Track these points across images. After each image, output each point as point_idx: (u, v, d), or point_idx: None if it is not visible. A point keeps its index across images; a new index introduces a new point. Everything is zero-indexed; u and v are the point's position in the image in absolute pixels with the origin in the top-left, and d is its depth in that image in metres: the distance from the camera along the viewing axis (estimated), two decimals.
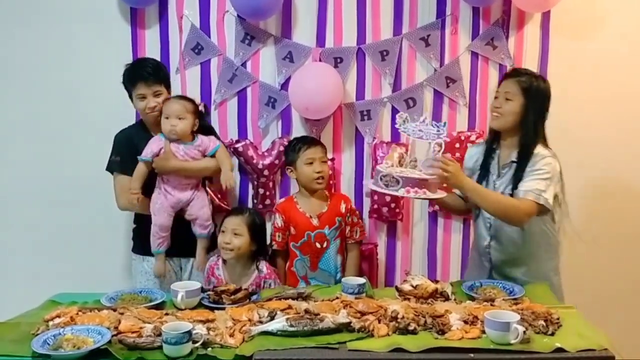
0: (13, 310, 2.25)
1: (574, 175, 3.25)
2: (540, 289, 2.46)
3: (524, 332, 1.93)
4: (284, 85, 3.20)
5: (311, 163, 2.86)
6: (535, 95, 2.53)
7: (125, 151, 2.79)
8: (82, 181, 3.31)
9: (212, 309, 2.24)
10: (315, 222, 2.87)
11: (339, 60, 3.20)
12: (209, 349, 1.94)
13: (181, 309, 2.24)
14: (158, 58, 3.18)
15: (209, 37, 3.20)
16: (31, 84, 3.27)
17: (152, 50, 3.22)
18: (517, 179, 2.52)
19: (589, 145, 3.28)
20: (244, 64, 3.20)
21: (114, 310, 2.16)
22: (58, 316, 2.10)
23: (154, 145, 2.71)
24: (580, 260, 3.35)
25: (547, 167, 2.49)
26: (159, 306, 2.29)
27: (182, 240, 2.80)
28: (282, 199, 3.06)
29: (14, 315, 2.21)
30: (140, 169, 2.71)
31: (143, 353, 1.90)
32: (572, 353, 1.90)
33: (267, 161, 3.17)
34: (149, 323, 2.03)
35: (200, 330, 1.98)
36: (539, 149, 2.54)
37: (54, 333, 1.96)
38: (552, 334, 2.00)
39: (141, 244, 2.89)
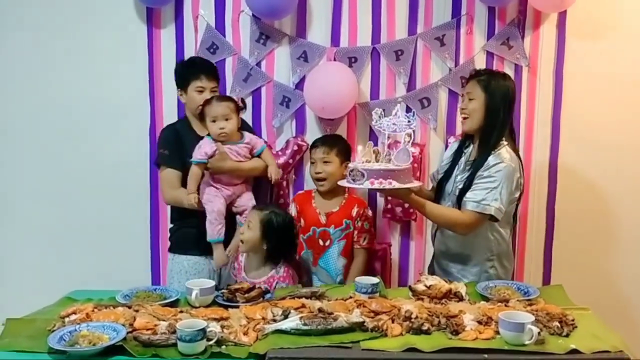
0: (29, 306, 2.27)
1: (588, 176, 3.27)
2: (556, 290, 2.44)
3: (539, 333, 1.92)
4: (299, 85, 3.21)
5: (313, 163, 2.91)
6: (495, 91, 2.55)
7: (173, 145, 2.83)
8: (97, 179, 3.35)
9: (226, 307, 2.24)
10: (322, 219, 2.90)
11: (353, 59, 3.20)
12: (223, 346, 1.94)
13: (195, 307, 2.25)
14: (173, 57, 3.23)
15: (224, 36, 3.21)
16: (47, 83, 3.30)
17: (167, 49, 3.24)
18: (470, 176, 2.56)
19: (605, 146, 3.26)
20: (258, 64, 3.21)
21: (129, 307, 2.17)
22: (74, 313, 2.11)
23: (207, 147, 2.72)
24: (595, 262, 3.34)
25: (497, 174, 2.50)
26: (174, 304, 2.30)
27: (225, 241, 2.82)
28: (303, 191, 3.10)
29: (30, 312, 2.23)
30: (195, 172, 2.72)
31: (158, 350, 1.91)
32: (587, 355, 1.89)
33: (281, 160, 3.17)
34: (164, 320, 2.04)
35: (214, 328, 1.98)
36: (500, 152, 2.54)
37: (70, 329, 1.97)
38: (567, 335, 1.99)
39: (180, 242, 2.92)
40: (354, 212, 2.92)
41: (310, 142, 3.17)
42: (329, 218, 2.91)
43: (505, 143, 2.58)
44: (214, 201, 2.76)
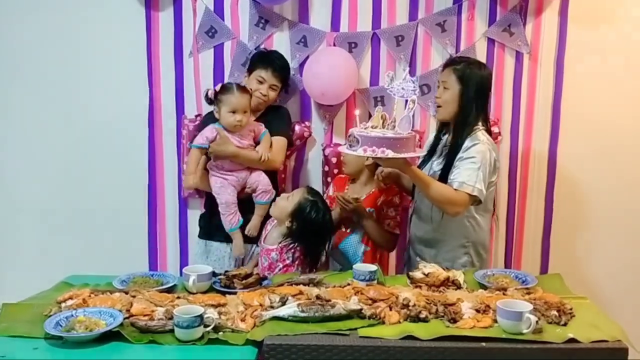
0: (25, 291, 2.26)
1: (589, 164, 3.26)
2: (554, 279, 2.44)
3: (537, 321, 1.91)
4: (298, 70, 3.18)
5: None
6: (469, 81, 2.55)
7: None
8: (95, 163, 3.34)
9: (223, 294, 2.24)
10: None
11: (353, 45, 3.17)
12: (220, 333, 1.94)
13: (193, 293, 2.25)
14: (172, 41, 3.21)
15: (223, 20, 3.18)
16: (46, 68, 3.28)
17: (166, 33, 3.21)
18: (448, 160, 2.55)
19: (605, 134, 3.25)
20: (257, 48, 3.18)
21: (126, 293, 2.16)
22: (70, 298, 2.11)
23: (209, 132, 2.74)
24: (593, 251, 3.34)
25: (478, 155, 2.50)
26: (171, 290, 2.30)
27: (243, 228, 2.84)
28: (343, 175, 3.06)
29: (27, 297, 2.23)
30: (195, 155, 2.77)
31: (154, 336, 1.91)
32: (585, 344, 1.88)
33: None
34: (161, 306, 2.04)
35: (211, 314, 1.97)
36: (476, 134, 2.55)
37: (66, 315, 1.97)
38: (565, 324, 1.99)
39: (207, 229, 2.97)
40: (380, 200, 2.89)
41: (312, 129, 3.17)
42: (359, 201, 2.86)
43: (482, 127, 2.59)
44: (221, 193, 2.78)
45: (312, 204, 2.59)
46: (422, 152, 2.63)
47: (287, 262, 2.62)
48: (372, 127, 2.41)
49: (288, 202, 2.63)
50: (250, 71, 2.95)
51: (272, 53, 3.03)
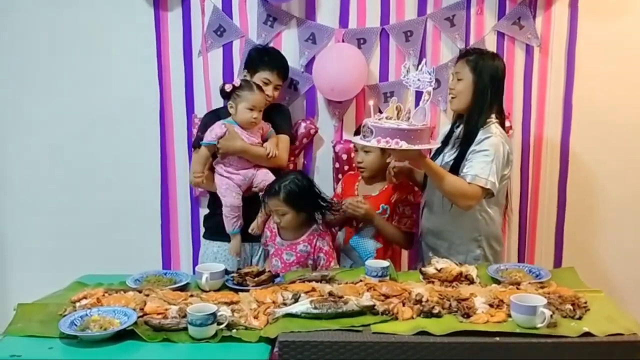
0: (40, 291, 2.28)
1: (601, 156, 3.24)
2: (568, 272, 2.43)
3: (551, 316, 1.90)
4: (307, 67, 3.18)
5: (356, 150, 2.88)
6: (482, 72, 2.55)
7: None
8: (108, 164, 3.35)
9: (236, 291, 2.24)
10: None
11: (362, 41, 3.16)
12: (234, 330, 1.94)
13: (206, 291, 2.25)
14: (181, 41, 3.21)
15: (231, 19, 3.18)
16: (56, 69, 3.29)
17: (175, 32, 3.21)
18: (460, 151, 2.56)
19: (617, 126, 3.22)
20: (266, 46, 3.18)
21: (140, 291, 2.17)
22: (85, 297, 2.12)
23: (217, 129, 2.74)
24: (607, 243, 3.32)
25: (491, 148, 2.49)
26: (184, 288, 2.31)
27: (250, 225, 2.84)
28: (353, 172, 3.05)
29: (41, 297, 2.24)
30: (203, 153, 2.78)
31: (168, 334, 1.91)
32: (600, 337, 1.87)
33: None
34: (174, 304, 2.04)
35: (224, 312, 1.98)
36: (489, 127, 2.55)
37: (81, 314, 1.98)
38: (580, 318, 1.98)
39: (212, 229, 2.97)
40: (394, 198, 2.86)
41: (319, 126, 3.17)
42: (367, 201, 2.84)
43: (495, 120, 2.59)
44: (227, 195, 2.78)
45: (289, 187, 2.61)
46: (436, 145, 2.62)
47: (324, 248, 2.67)
48: (386, 118, 2.40)
49: (288, 213, 2.61)
50: (251, 70, 2.92)
51: (272, 52, 3.02)
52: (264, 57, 2.95)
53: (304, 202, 2.65)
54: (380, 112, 2.55)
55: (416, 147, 2.33)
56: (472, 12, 3.14)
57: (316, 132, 3.20)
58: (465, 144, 2.56)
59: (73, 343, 1.89)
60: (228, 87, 2.76)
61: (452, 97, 2.62)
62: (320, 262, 2.70)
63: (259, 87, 2.79)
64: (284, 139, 2.95)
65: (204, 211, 3.16)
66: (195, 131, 3.16)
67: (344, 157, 3.14)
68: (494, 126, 2.57)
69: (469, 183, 2.47)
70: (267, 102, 2.88)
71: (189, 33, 3.21)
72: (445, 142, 2.72)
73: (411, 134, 2.31)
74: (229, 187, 2.78)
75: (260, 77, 2.88)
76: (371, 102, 2.56)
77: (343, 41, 3.15)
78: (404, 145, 2.30)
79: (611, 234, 3.31)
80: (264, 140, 2.85)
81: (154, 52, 3.22)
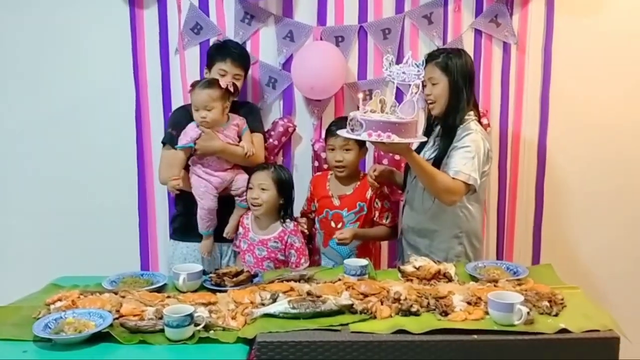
0: (14, 294, 2.24)
1: (578, 153, 3.27)
2: (545, 269, 2.44)
3: (528, 313, 1.92)
4: (285, 65, 3.17)
5: (332, 149, 2.85)
6: (455, 71, 2.56)
7: (183, 125, 2.80)
8: (83, 164, 3.30)
9: (214, 292, 2.23)
10: (336, 202, 2.87)
11: (340, 39, 3.15)
12: (211, 331, 1.93)
13: (183, 292, 2.24)
14: (157, 38, 3.18)
15: (208, 16, 3.15)
16: (31, 68, 3.24)
17: (151, 30, 3.18)
18: (442, 147, 2.57)
19: (594, 123, 3.25)
20: (243, 44, 3.15)
21: (116, 293, 2.15)
22: (59, 300, 2.10)
23: (192, 132, 2.71)
24: (584, 240, 3.35)
25: (472, 144, 2.51)
26: (161, 289, 2.29)
27: (222, 226, 2.83)
28: (320, 173, 3.05)
29: (16, 299, 2.21)
30: (179, 157, 2.73)
31: (145, 336, 1.90)
32: (577, 334, 1.89)
33: (268, 142, 3.13)
34: (151, 306, 2.03)
35: (202, 313, 1.97)
36: (468, 124, 2.56)
37: (55, 317, 1.96)
38: (556, 315, 1.99)
39: (182, 230, 2.93)
40: (369, 194, 2.86)
41: (297, 124, 3.15)
42: (342, 201, 2.86)
43: (474, 117, 2.61)
44: (205, 198, 2.76)
45: (279, 171, 2.77)
46: (424, 138, 2.61)
47: (295, 244, 2.73)
48: (371, 111, 2.38)
49: (268, 189, 2.71)
50: (209, 65, 2.91)
51: (227, 43, 3.00)
52: (218, 50, 2.92)
53: (286, 190, 2.75)
54: (371, 98, 2.53)
55: (407, 140, 2.33)
56: (450, 10, 3.14)
57: (294, 129, 3.19)
58: (446, 140, 2.57)
59: (47, 346, 1.86)
60: (189, 89, 2.76)
61: (431, 103, 2.61)
62: (291, 259, 2.74)
63: (207, 84, 2.71)
64: (259, 137, 2.95)
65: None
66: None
67: (323, 155, 3.13)
68: (473, 123, 2.58)
69: (452, 178, 2.47)
70: (215, 98, 2.72)
71: (166, 31, 3.18)
72: (424, 142, 2.71)
73: (402, 127, 2.31)
74: (207, 190, 2.75)
75: (217, 69, 2.85)
76: (360, 95, 2.55)
77: (321, 39, 3.14)
78: (395, 138, 2.29)
79: (588, 231, 3.34)
80: (239, 136, 2.83)
81: (129, 50, 3.18)
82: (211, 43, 3.13)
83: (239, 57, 2.90)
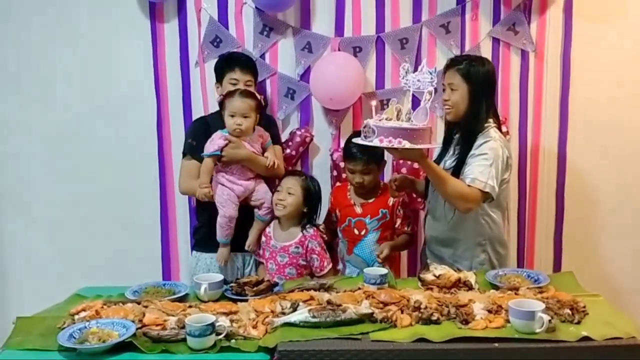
0: (39, 304, 2.28)
1: (598, 159, 3.25)
2: (566, 277, 2.43)
3: (550, 320, 1.90)
4: (303, 76, 3.19)
5: (353, 172, 2.87)
6: (476, 79, 2.54)
7: (201, 137, 2.83)
8: (106, 175, 3.35)
9: (234, 301, 2.24)
10: (358, 210, 2.88)
11: (358, 49, 3.17)
12: (233, 340, 1.94)
13: (204, 301, 2.25)
14: (177, 52, 3.23)
15: (227, 29, 3.19)
16: (54, 79, 3.30)
17: (171, 44, 3.23)
18: (460, 157, 2.56)
19: (614, 130, 3.23)
20: (262, 56, 3.19)
21: (138, 303, 2.17)
22: (83, 310, 2.12)
23: (219, 140, 2.73)
24: (605, 247, 3.32)
25: (490, 152, 2.49)
26: (183, 299, 2.30)
27: (239, 236, 2.85)
28: (340, 184, 3.08)
29: (40, 310, 2.24)
30: (208, 165, 2.75)
31: (167, 345, 1.91)
32: (599, 341, 1.87)
33: (286, 153, 3.15)
34: (173, 316, 2.04)
35: (223, 322, 1.98)
36: (488, 132, 2.55)
37: (79, 327, 1.98)
38: (578, 323, 1.98)
39: (206, 241, 2.94)
40: (391, 201, 2.88)
41: (315, 134, 3.17)
42: (365, 208, 2.88)
43: (494, 125, 2.59)
44: (226, 206, 2.77)
45: (309, 180, 2.84)
46: (437, 145, 2.62)
47: (316, 249, 2.77)
48: (386, 119, 2.40)
49: (294, 194, 2.77)
50: (220, 80, 2.92)
51: (231, 54, 3.04)
52: (224, 62, 2.95)
53: (312, 200, 2.81)
54: (383, 109, 2.55)
55: (418, 146, 2.34)
56: (467, 19, 3.16)
57: (311, 139, 3.21)
58: (465, 149, 2.56)
59: (72, 356, 1.89)
60: (218, 98, 2.79)
61: (449, 109, 2.60)
62: (314, 263, 2.77)
63: (246, 94, 2.74)
64: (279, 149, 2.98)
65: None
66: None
67: (342, 165, 3.14)
68: (492, 130, 2.57)
69: (468, 186, 2.47)
70: (252, 108, 2.75)
71: (186, 44, 3.23)
72: (445, 149, 2.72)
73: (414, 134, 2.31)
74: (229, 198, 2.77)
75: (227, 80, 2.87)
76: (373, 103, 2.57)
77: (339, 50, 3.17)
78: (406, 144, 2.31)
79: (610, 238, 3.31)
80: (264, 149, 2.86)
81: (151, 62, 3.23)
82: None
83: (247, 64, 2.93)
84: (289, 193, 2.76)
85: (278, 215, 2.81)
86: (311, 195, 2.81)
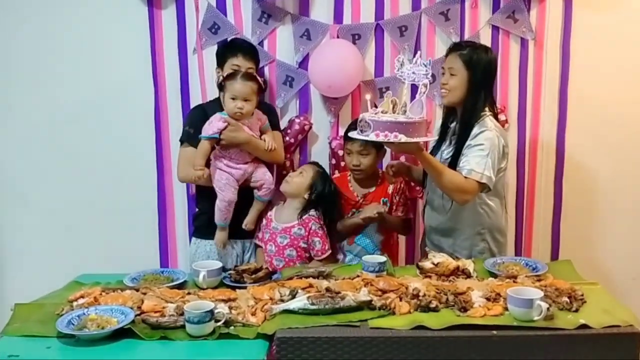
0: (37, 291, 2.28)
1: (597, 148, 3.25)
2: (564, 265, 2.43)
3: (548, 308, 1.91)
4: (302, 64, 3.18)
5: (350, 153, 2.88)
6: (477, 66, 2.54)
7: (199, 125, 2.82)
8: (103, 162, 3.34)
9: (233, 288, 2.25)
10: (360, 200, 2.90)
11: (357, 36, 3.16)
12: (231, 327, 1.95)
13: (203, 289, 2.25)
14: (175, 38, 3.20)
15: (226, 16, 3.17)
16: (50, 68, 3.27)
17: (169, 30, 3.20)
18: (457, 147, 2.55)
19: (613, 118, 3.23)
20: (261, 43, 3.17)
21: (137, 290, 2.18)
22: (82, 297, 2.12)
23: (218, 123, 2.71)
24: (603, 236, 3.33)
25: (486, 142, 2.49)
26: (181, 286, 2.31)
27: (237, 220, 2.84)
28: (339, 174, 3.08)
29: (38, 297, 2.24)
30: (205, 147, 2.74)
31: (166, 332, 1.92)
32: (597, 329, 1.88)
33: (284, 140, 3.14)
34: (172, 302, 2.05)
35: (222, 309, 1.98)
36: (484, 121, 2.54)
37: (78, 313, 1.98)
38: (576, 311, 1.99)
39: (205, 228, 2.93)
40: (390, 188, 2.91)
41: (313, 122, 3.16)
42: (366, 198, 2.90)
43: (489, 113, 2.58)
44: (225, 190, 2.77)
45: (324, 175, 2.87)
46: (433, 138, 2.62)
47: (319, 232, 2.77)
48: (382, 112, 2.40)
49: (303, 177, 2.81)
50: (221, 65, 2.92)
51: (233, 41, 3.03)
52: (227, 48, 2.95)
53: (317, 191, 2.81)
54: (376, 106, 2.55)
55: (415, 139, 2.33)
56: (467, 6, 3.14)
57: (310, 127, 3.20)
58: (461, 139, 2.56)
59: (71, 342, 1.89)
60: (218, 80, 2.79)
61: (445, 92, 2.60)
62: (315, 246, 2.77)
63: (248, 77, 2.73)
64: (278, 135, 2.97)
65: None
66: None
67: (341, 153, 3.13)
68: (488, 119, 2.56)
69: (465, 177, 2.47)
70: (254, 91, 2.75)
71: (184, 30, 3.20)
72: (441, 139, 2.72)
73: (409, 127, 2.31)
74: (228, 182, 2.77)
75: (229, 66, 2.86)
76: (367, 97, 2.56)
77: (338, 37, 3.15)
78: (402, 138, 2.30)
79: (607, 226, 3.32)
80: (262, 132, 2.85)
81: (148, 49, 3.21)
82: None
83: (249, 51, 2.92)
84: (300, 173, 2.83)
85: (282, 190, 2.84)
86: (318, 185, 2.81)
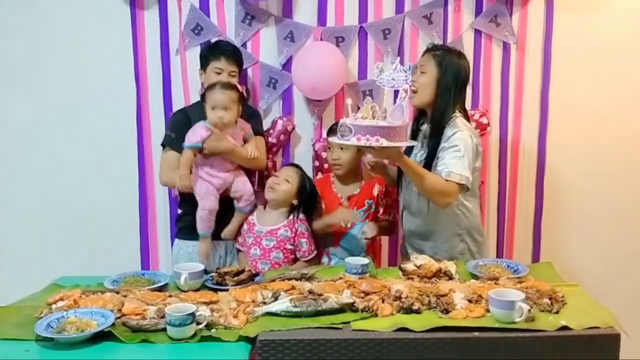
0: (16, 294, 2.25)
1: (577, 151, 3.28)
2: (545, 267, 2.45)
3: (529, 310, 1.92)
4: (285, 66, 3.17)
5: (330, 148, 2.88)
6: (447, 67, 2.55)
7: (181, 128, 2.81)
8: (84, 164, 3.31)
9: (215, 291, 2.23)
10: (344, 202, 2.90)
11: (340, 39, 3.16)
12: (213, 330, 1.94)
13: (184, 291, 2.24)
14: (158, 40, 3.19)
15: (209, 17, 3.16)
16: (32, 69, 3.25)
17: (152, 31, 3.19)
18: (430, 150, 2.56)
19: (593, 122, 3.26)
20: (244, 45, 3.17)
21: (117, 292, 2.15)
22: (61, 299, 2.10)
23: (202, 131, 2.70)
24: (584, 238, 3.36)
25: (460, 142, 2.50)
26: (162, 288, 2.29)
27: (220, 227, 2.83)
28: (322, 176, 3.07)
29: (17, 299, 2.21)
30: (188, 156, 2.71)
31: (147, 335, 1.90)
32: (577, 331, 1.89)
33: (267, 141, 3.13)
34: (153, 305, 2.03)
35: (203, 311, 1.97)
36: (454, 122, 2.55)
37: (57, 316, 1.96)
38: (557, 312, 1.99)
39: (189, 229, 2.90)
40: (376, 191, 2.90)
41: (296, 123, 3.16)
42: (351, 200, 2.89)
43: (460, 114, 2.59)
44: (206, 199, 2.75)
45: (307, 178, 2.86)
46: (415, 142, 2.62)
47: (305, 233, 2.78)
48: (362, 117, 2.40)
49: (290, 184, 2.79)
50: (203, 67, 2.92)
51: (218, 43, 3.02)
52: (211, 50, 2.95)
53: (303, 195, 2.81)
54: (358, 108, 2.55)
55: (396, 144, 2.33)
56: (450, 10, 3.16)
57: (293, 128, 3.20)
58: (434, 141, 2.56)
59: (50, 345, 1.86)
60: (200, 91, 2.75)
61: (414, 91, 2.59)
62: (302, 247, 2.77)
63: (227, 86, 2.73)
64: (261, 140, 2.96)
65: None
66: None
67: (324, 155, 3.14)
68: (459, 120, 2.56)
69: (445, 180, 2.48)
70: (234, 100, 2.74)
71: (166, 31, 3.19)
72: (413, 139, 2.71)
73: (390, 132, 2.31)
74: (208, 191, 2.75)
75: (212, 68, 2.86)
76: (349, 101, 2.56)
77: (321, 39, 3.15)
78: (384, 142, 2.30)
79: (587, 229, 3.35)
80: (245, 141, 2.84)
81: (130, 51, 3.19)
82: None
83: (233, 54, 2.91)
84: (286, 180, 2.79)
85: (268, 198, 2.81)
86: (305, 191, 2.81)
